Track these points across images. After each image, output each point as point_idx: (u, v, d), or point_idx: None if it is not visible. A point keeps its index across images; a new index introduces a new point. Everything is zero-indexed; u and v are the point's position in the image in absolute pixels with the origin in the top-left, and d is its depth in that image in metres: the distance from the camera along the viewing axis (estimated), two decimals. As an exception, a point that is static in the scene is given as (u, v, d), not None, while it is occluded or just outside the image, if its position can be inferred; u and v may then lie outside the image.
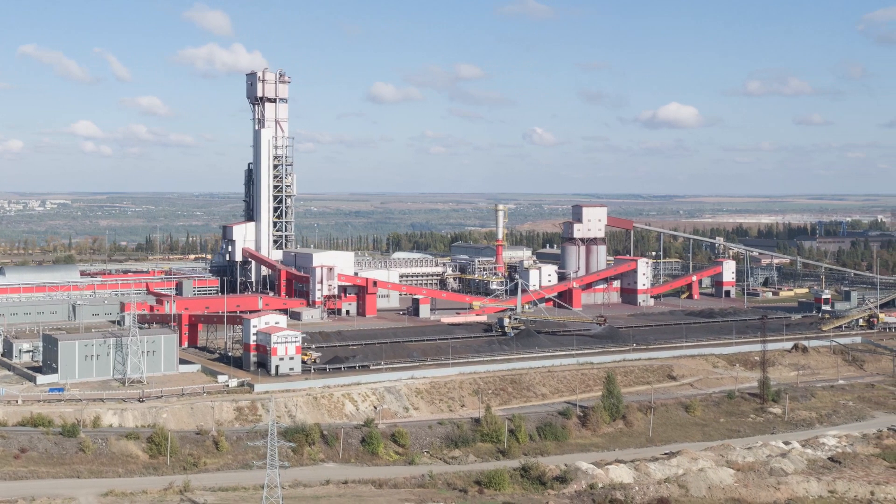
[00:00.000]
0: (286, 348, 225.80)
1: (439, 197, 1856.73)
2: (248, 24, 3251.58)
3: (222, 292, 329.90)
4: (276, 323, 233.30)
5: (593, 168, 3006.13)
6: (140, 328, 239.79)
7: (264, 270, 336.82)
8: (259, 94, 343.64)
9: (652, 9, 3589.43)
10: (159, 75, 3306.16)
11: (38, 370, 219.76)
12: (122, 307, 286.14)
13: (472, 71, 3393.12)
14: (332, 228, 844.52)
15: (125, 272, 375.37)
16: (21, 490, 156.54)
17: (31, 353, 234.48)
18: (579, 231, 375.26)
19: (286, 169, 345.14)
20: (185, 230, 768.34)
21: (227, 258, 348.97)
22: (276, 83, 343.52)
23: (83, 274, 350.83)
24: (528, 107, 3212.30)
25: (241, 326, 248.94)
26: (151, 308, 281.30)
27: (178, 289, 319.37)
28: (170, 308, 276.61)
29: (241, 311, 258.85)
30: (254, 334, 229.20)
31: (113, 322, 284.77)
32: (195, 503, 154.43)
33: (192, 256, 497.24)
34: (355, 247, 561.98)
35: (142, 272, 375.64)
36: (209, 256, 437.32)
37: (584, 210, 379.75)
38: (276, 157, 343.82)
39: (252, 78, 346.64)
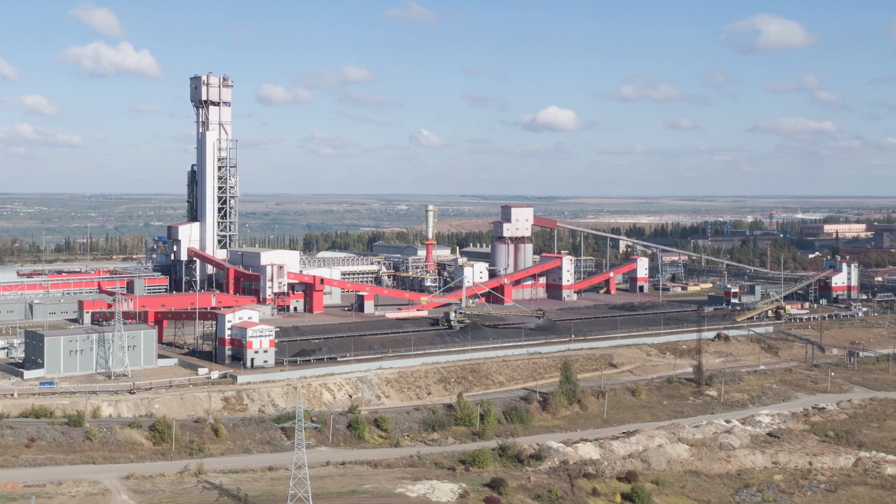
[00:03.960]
0: (261, 342, 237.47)
1: (332, 198, 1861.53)
2: (136, 23, 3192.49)
3: (170, 290, 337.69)
4: (250, 318, 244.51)
5: (478, 170, 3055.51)
6: (102, 325, 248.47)
7: (209, 269, 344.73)
8: (203, 97, 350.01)
9: (531, 15, 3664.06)
10: (45, 74, 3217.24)
11: (22, 365, 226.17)
12: (81, 305, 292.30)
13: (360, 73, 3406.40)
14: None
15: (58, 272, 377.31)
16: (45, 475, 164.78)
17: (6, 350, 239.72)
18: (508, 230, 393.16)
19: (230, 171, 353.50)
20: (87, 232, 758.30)
21: (172, 257, 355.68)
22: (219, 87, 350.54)
23: (20, 274, 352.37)
24: (414, 109, 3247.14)
25: (206, 322, 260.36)
26: (109, 306, 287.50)
27: (129, 287, 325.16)
28: (129, 306, 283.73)
29: (212, 308, 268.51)
30: (229, 329, 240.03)
31: (72, 320, 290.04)
32: (212, 484, 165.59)
33: (121, 256, 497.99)
34: (272, 246, 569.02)
35: (75, 272, 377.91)
36: (144, 256, 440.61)
37: (513, 210, 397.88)
38: (220, 159, 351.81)
39: (196, 81, 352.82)
